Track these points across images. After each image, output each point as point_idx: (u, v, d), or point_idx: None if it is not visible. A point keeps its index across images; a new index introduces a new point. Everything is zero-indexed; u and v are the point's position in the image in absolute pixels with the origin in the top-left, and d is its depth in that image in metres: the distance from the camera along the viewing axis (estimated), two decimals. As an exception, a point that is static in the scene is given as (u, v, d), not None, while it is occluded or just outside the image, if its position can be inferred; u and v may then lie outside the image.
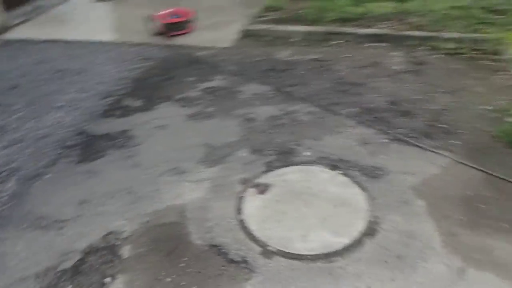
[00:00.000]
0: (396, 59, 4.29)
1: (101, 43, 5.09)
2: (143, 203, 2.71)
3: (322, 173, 2.83)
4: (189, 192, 2.77)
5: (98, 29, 5.50)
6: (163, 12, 5.23)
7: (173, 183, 2.85)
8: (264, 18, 5.18)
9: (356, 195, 2.63)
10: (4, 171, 3.07)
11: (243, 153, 3.08)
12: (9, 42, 5.37)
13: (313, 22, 4.93)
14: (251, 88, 3.90)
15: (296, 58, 4.39)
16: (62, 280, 2.24)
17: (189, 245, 2.40)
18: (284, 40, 4.80)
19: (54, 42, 5.24)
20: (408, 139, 3.09)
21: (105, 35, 5.29)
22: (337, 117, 3.43)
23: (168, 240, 2.44)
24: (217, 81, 4.06)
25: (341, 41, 4.69)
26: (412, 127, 3.23)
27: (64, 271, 2.29)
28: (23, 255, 2.40)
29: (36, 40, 5.35)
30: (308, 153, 3.03)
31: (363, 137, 3.17)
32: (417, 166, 2.85)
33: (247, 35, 4.94)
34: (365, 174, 2.80)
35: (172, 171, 2.95)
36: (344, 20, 4.89)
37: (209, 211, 2.61)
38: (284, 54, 4.49)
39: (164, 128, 3.43)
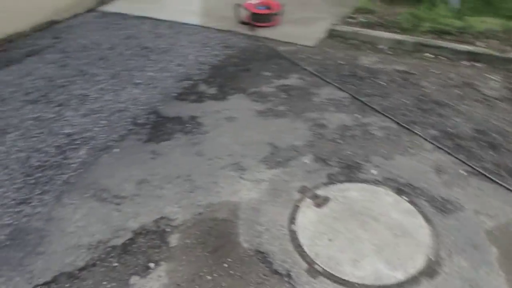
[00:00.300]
0: (491, 83, 3.90)
1: (188, 25, 5.18)
2: (199, 193, 2.71)
3: (386, 196, 2.64)
4: (246, 190, 2.72)
5: (188, 11, 5.60)
6: (253, 1, 5.20)
7: (232, 179, 2.82)
8: (353, 20, 4.95)
9: (420, 227, 2.42)
10: (79, 138, 3.23)
11: (307, 160, 2.97)
12: (105, 14, 5.64)
13: (405, 30, 4.63)
14: (327, 92, 3.75)
15: (381, 67, 4.15)
16: (110, 256, 2.31)
17: (236, 246, 2.36)
18: (370, 45, 4.56)
19: (144, 19, 5.43)
20: (491, 175, 2.78)
21: (193, 18, 5.37)
22: (414, 137, 3.19)
23: (216, 236, 2.42)
24: (293, 80, 3.96)
25: (433, 55, 4.35)
26: (497, 163, 2.91)
27: (114, 248, 2.35)
28: (81, 224, 2.51)
29: (129, 15, 5.57)
30: (375, 172, 2.84)
31: (439, 164, 2.91)
32: (497, 207, 2.56)
33: (332, 35, 4.76)
34: (434, 206, 2.57)
35: (233, 166, 2.92)
36: (440, 33, 4.53)
37: (262, 214, 2.54)
38: (368, 60, 4.26)
39: (233, 121, 3.41)
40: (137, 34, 5.00)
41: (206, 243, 2.39)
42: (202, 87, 3.88)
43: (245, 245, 2.36)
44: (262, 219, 2.52)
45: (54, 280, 2.19)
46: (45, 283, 2.18)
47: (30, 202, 2.67)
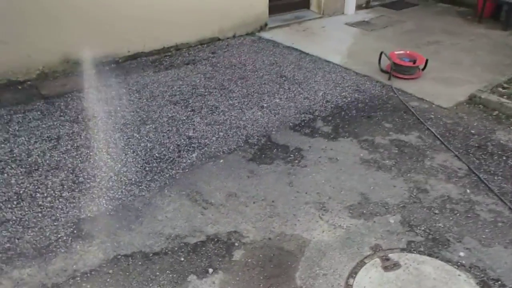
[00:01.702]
0: None
1: (330, 63, 5.38)
2: (277, 220, 2.85)
3: (465, 284, 2.41)
4: (320, 231, 2.77)
5: (335, 50, 5.81)
6: (398, 51, 5.17)
7: (312, 216, 2.89)
8: (504, 90, 4.53)
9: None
10: (197, 143, 3.67)
11: (393, 220, 2.87)
12: (261, 40, 6.21)
13: None
14: (443, 158, 3.54)
15: (518, 146, 3.74)
16: (181, 250, 2.60)
17: (290, 280, 2.43)
18: (515, 121, 4.13)
19: (293, 50, 5.81)
20: None
21: (337, 57, 5.56)
22: (527, 232, 2.81)
23: (276, 265, 2.53)
24: (412, 137, 3.83)
25: None
26: None
27: (186, 245, 2.65)
28: (169, 216, 2.88)
29: (281, 44, 6.03)
30: (463, 254, 2.61)
31: (547, 271, 2.53)
32: None
33: (474, 101, 4.44)
34: (519, 314, 2.26)
35: (317, 204, 3.00)
36: None
37: (326, 258, 2.57)
38: (506, 137, 3.87)
39: (334, 162, 3.47)
40: (280, 62, 5.39)
41: (264, 267, 2.51)
42: (319, 123, 4.02)
43: (299, 282, 2.42)
44: (324, 263, 2.54)
45: (132, 255, 2.57)
46: (125, 255, 2.57)
47: (140, 185, 3.15)
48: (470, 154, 3.61)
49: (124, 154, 3.50)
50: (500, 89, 4.60)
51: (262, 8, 6.38)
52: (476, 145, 3.74)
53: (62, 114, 4.09)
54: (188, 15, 5.65)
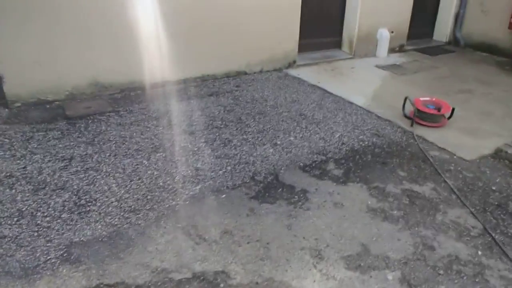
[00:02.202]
0: None
1: (352, 105, 5.31)
2: (268, 264, 2.75)
3: None
4: (311, 281, 2.64)
5: (360, 92, 5.74)
6: (424, 98, 5.03)
7: (305, 264, 2.77)
8: (534, 146, 4.28)
9: None
10: (203, 175, 3.66)
11: (391, 276, 2.70)
12: (286, 76, 6.24)
13: None
14: (457, 215, 3.34)
15: (543, 208, 3.48)
16: (164, 286, 2.54)
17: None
18: (543, 180, 3.87)
19: (317, 89, 5.80)
20: None
21: (361, 99, 5.48)
22: (540, 306, 2.57)
23: (258, 312, 2.42)
24: (426, 188, 3.65)
25: None
26: None
27: (170, 280, 2.59)
28: (160, 248, 2.84)
29: (306, 82, 6.04)
30: (463, 324, 2.40)
31: None
32: None
33: (499, 156, 4.21)
34: None
35: (313, 251, 2.87)
36: None
37: (312, 311, 2.43)
38: (530, 196, 3.62)
39: (339, 208, 3.34)
40: (302, 100, 5.37)
41: (246, 313, 2.41)
42: (330, 166, 3.92)
43: (279, 333, 2.29)
44: (309, 316, 2.40)
45: (114, 285, 2.53)
46: (107, 285, 2.54)
47: (138, 213, 3.15)
48: (488, 213, 3.39)
49: (129, 180, 3.52)
50: (530, 145, 4.35)
51: (291, 46, 6.44)
52: (496, 203, 3.52)
53: (80, 135, 4.21)
54: (216, 48, 5.78)
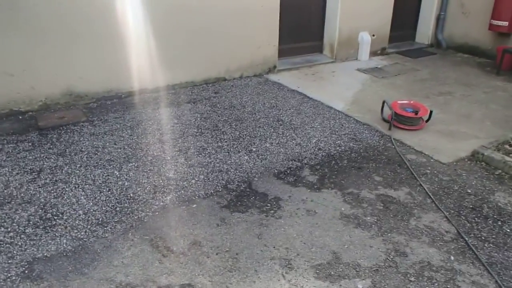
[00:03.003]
0: None
1: (331, 109, 5.28)
2: (235, 276, 2.69)
3: None
4: (278, 291, 2.58)
5: (339, 96, 5.71)
6: (401, 101, 5.01)
7: (274, 274, 2.71)
8: (511, 148, 4.27)
9: None
10: (174, 184, 3.59)
11: (361, 285, 2.65)
12: (266, 82, 6.20)
13: None
14: (431, 219, 3.30)
15: (518, 211, 3.45)
16: (126, 300, 2.47)
17: None
18: (519, 182, 3.85)
19: (296, 93, 5.76)
20: None
21: (340, 103, 5.45)
22: (511, 311, 2.53)
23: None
24: (401, 193, 3.61)
25: None
26: None
27: (133, 294, 2.51)
28: (126, 261, 2.76)
29: (286, 87, 6.00)
30: (431, 333, 2.35)
31: None
32: None
33: (476, 158, 4.19)
34: None
35: (282, 261, 2.82)
36: None
37: (278, 323, 2.37)
38: (506, 199, 3.59)
39: (312, 215, 3.29)
40: (281, 105, 5.32)
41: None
42: (305, 172, 3.87)
43: None
44: (275, 329, 2.34)
45: (75, 301, 2.46)
46: (69, 300, 2.47)
47: (105, 226, 3.08)
48: (462, 216, 3.35)
49: (99, 192, 3.45)
50: (507, 146, 4.34)
51: (271, 51, 6.41)
52: (471, 206, 3.49)
53: (51, 146, 4.13)
54: (195, 55, 5.72)
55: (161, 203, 3.36)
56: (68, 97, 5.04)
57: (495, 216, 3.37)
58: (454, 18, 8.17)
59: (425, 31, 8.52)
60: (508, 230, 3.22)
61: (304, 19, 7.02)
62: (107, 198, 3.38)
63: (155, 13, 5.25)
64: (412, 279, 2.72)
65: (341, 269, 2.77)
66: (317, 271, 2.75)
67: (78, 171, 3.73)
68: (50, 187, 3.50)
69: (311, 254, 2.89)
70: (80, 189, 3.48)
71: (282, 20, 6.34)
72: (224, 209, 3.33)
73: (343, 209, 3.38)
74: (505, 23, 7.15)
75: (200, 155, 4.07)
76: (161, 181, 3.63)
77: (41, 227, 3.04)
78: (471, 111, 5.37)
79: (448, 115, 5.21)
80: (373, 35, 7.48)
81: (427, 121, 4.88)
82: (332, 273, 2.74)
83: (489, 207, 3.48)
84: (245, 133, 4.56)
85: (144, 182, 3.61)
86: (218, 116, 4.95)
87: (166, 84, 5.67)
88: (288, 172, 3.87)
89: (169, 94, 5.56)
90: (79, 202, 3.32)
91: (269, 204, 3.40)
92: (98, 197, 3.38)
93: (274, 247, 2.94)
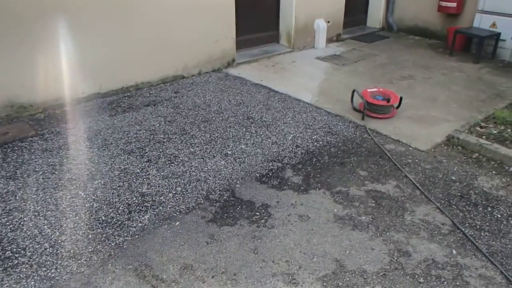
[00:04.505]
0: None
1: (300, 102, 5.09)
2: (237, 300, 2.43)
3: None
4: (288, 312, 2.35)
5: (306, 87, 5.54)
6: (370, 89, 4.92)
7: (279, 292, 2.48)
8: (483, 130, 4.30)
9: None
10: (150, 201, 3.24)
11: (372, 295, 2.49)
12: (227, 77, 5.90)
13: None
14: (425, 212, 3.21)
15: (503, 195, 3.44)
16: None
17: None
18: (496, 165, 3.86)
19: (261, 87, 5.51)
20: None
21: (308, 95, 5.28)
22: (524, 303, 2.47)
23: None
24: (389, 187, 3.50)
25: None
26: None
27: None
28: (109, 299, 2.41)
29: (249, 81, 5.73)
30: None
31: None
32: None
33: (452, 143, 4.18)
34: None
35: (285, 277, 2.59)
36: None
37: None
38: (489, 183, 3.59)
39: (305, 220, 3.09)
40: (248, 102, 5.06)
41: None
42: (288, 173, 3.65)
43: None
44: None
45: None
46: None
47: (79, 259, 2.69)
48: (453, 206, 3.29)
49: (64, 219, 3.03)
50: (478, 128, 4.37)
51: (229, 43, 6.09)
52: (459, 194, 3.44)
53: (-2, 168, 3.60)
54: (149, 52, 5.30)
55: (139, 224, 3.00)
56: (10, 109, 4.46)
57: (483, 202, 3.35)
58: (403, 1, 8.25)
59: (376, 15, 8.55)
60: (499, 216, 3.20)
61: (259, 8, 6.75)
62: (76, 224, 2.98)
63: (102, 10, 4.76)
64: (421, 280, 2.60)
65: (348, 278, 2.59)
66: (324, 284, 2.55)
67: (35, 196, 3.27)
68: (3, 218, 3.02)
69: (313, 265, 2.69)
70: (41, 217, 3.04)
71: (237, 10, 6.03)
72: (211, 223, 3.04)
73: (335, 210, 3.21)
74: (454, 4, 7.29)
75: (173, 164, 3.73)
76: (134, 199, 3.27)
77: (0, 268, 2.60)
78: (435, 94, 5.40)
79: (415, 100, 5.20)
80: (328, 22, 7.37)
81: (397, 107, 4.83)
82: (340, 284, 2.56)
83: (476, 193, 3.45)
84: (216, 135, 4.26)
85: (116, 202, 3.23)
86: (184, 118, 4.60)
87: (120, 86, 5.21)
88: (270, 174, 3.63)
89: (125, 97, 5.11)
90: (43, 233, 2.89)
91: (258, 213, 3.16)
92: (65, 225, 2.97)
93: (273, 262, 2.71)
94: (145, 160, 3.78)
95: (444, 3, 7.40)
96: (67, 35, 4.58)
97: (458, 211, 3.24)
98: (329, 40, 7.55)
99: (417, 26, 8.16)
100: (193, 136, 4.22)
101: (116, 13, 4.88)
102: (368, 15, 8.69)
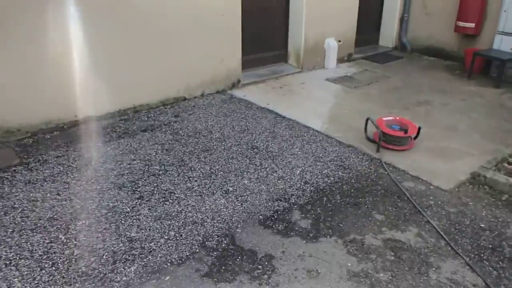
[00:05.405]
0: None
1: (309, 129, 4.72)
2: None
3: None
4: None
5: (315, 112, 5.17)
6: (386, 118, 4.53)
7: None
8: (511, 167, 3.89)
9: None
10: (139, 248, 2.86)
11: None
12: (232, 99, 5.55)
13: None
14: (452, 269, 2.79)
15: (540, 246, 3.02)
16: None
17: None
18: (530, 208, 3.44)
19: (268, 112, 5.16)
20: None
21: (317, 122, 4.90)
22: None
23: None
24: (410, 235, 3.09)
25: None
26: None
27: None
28: None
29: (255, 104, 5.38)
30: None
31: None
32: None
33: (478, 182, 3.77)
34: None
35: None
36: None
37: None
38: (523, 230, 3.17)
39: (315, 277, 2.68)
40: (253, 128, 4.69)
41: None
42: (296, 215, 3.26)
43: None
44: None
45: None
46: None
47: (50, 323, 2.30)
48: (484, 261, 2.87)
49: (39, 269, 2.65)
50: (506, 165, 3.96)
51: (234, 63, 5.76)
52: (490, 246, 3.02)
53: (-26, 204, 3.25)
54: (149, 73, 4.97)
55: (124, 278, 2.61)
56: (-5, 133, 4.13)
57: (519, 256, 2.92)
58: (418, 20, 7.90)
59: (389, 34, 8.20)
60: (539, 274, 2.77)
61: (267, 27, 6.43)
62: (51, 277, 2.60)
63: (102, 29, 4.44)
64: None
65: None
66: None
67: (9, 239, 2.90)
68: (-29, 267, 2.65)
69: (324, 338, 2.28)
70: (12, 267, 2.66)
71: (243, 28, 5.70)
72: (206, 279, 2.64)
73: (349, 264, 2.80)
74: (472, 25, 6.92)
75: (167, 202, 3.35)
76: (121, 244, 2.89)
77: (-42, 335, 2.22)
78: (455, 123, 5.00)
79: (433, 129, 4.80)
80: (339, 41, 7.02)
81: (415, 138, 4.43)
82: None
83: (510, 246, 3.03)
84: (217, 167, 3.88)
85: (100, 248, 2.85)
86: (183, 147, 4.23)
87: (117, 109, 4.87)
88: (275, 217, 3.24)
89: (121, 121, 4.76)
90: (13, 288, 2.51)
91: (260, 266, 2.76)
92: (38, 278, 2.59)
93: (276, 333, 2.30)
94: (137, 196, 3.41)
95: (461, 23, 7.04)
96: (59, 54, 4.26)
97: (490, 268, 2.82)
98: (340, 60, 7.19)
99: (432, 46, 7.78)
100: (192, 168, 3.85)
101: (114, 29, 4.56)
102: (381, 33, 8.34)
